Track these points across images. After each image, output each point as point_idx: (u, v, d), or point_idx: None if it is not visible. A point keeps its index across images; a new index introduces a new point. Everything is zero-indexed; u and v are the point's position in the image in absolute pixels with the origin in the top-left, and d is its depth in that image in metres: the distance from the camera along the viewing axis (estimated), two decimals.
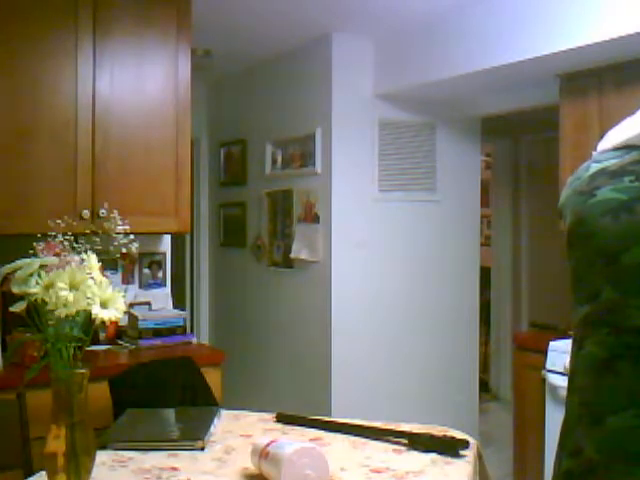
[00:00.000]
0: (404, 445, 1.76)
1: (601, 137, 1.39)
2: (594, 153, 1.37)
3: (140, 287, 3.30)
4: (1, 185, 2.60)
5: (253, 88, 4.62)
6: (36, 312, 1.40)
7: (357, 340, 3.92)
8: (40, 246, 1.46)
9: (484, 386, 5.62)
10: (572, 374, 1.27)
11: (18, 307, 1.43)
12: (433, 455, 1.68)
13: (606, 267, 1.25)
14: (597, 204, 1.27)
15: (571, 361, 1.28)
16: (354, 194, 3.89)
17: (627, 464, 1.09)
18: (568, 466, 1.18)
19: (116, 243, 1.55)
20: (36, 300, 1.39)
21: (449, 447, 1.70)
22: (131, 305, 3.10)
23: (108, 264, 1.55)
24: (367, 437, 1.84)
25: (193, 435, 1.80)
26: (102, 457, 1.63)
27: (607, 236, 1.25)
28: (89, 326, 1.42)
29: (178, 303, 3.81)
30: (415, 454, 1.71)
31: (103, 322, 1.40)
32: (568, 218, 1.37)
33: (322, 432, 1.90)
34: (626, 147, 1.29)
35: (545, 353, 3.18)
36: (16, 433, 1.99)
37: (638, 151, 1.25)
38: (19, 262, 1.42)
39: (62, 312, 1.36)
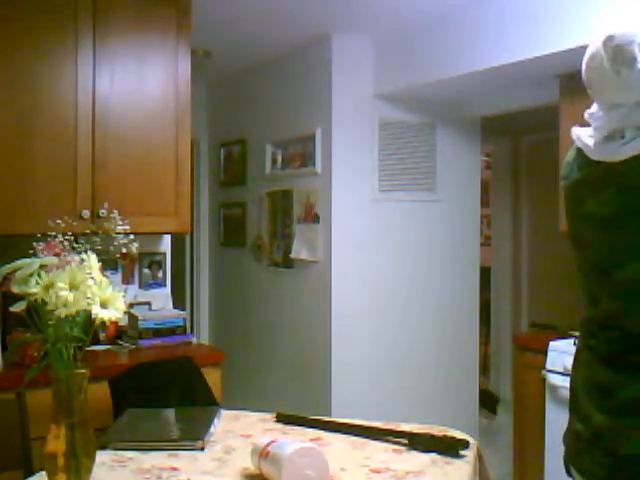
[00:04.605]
0: (404, 445, 1.76)
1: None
2: (576, 138, 1.43)
3: (140, 287, 3.30)
4: (1, 185, 2.60)
5: (253, 88, 4.62)
6: (36, 312, 1.40)
7: (357, 340, 3.92)
8: (40, 246, 1.46)
9: (489, 399, 5.33)
10: (578, 352, 1.43)
11: (18, 307, 1.43)
12: (433, 455, 1.68)
13: (601, 279, 1.34)
14: (586, 217, 1.35)
15: (578, 343, 1.44)
16: (354, 194, 3.89)
17: (630, 430, 1.25)
18: (578, 428, 1.37)
19: (116, 243, 1.55)
20: (36, 300, 1.38)
21: (449, 447, 1.70)
22: (131, 305, 3.10)
23: (108, 264, 1.55)
24: (367, 437, 1.84)
25: (193, 435, 1.80)
26: (102, 457, 1.63)
27: (599, 251, 1.33)
28: (89, 326, 1.42)
29: (178, 303, 3.80)
30: (415, 454, 1.71)
31: (103, 322, 1.40)
32: (566, 219, 1.44)
33: (322, 432, 1.90)
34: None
35: (545, 353, 3.18)
36: (16, 433, 1.99)
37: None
38: (19, 262, 1.42)
39: (62, 312, 1.36)
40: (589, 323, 1.40)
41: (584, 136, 1.37)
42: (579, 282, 1.43)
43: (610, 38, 1.29)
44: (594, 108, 1.39)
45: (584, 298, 1.41)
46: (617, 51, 1.27)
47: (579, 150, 1.39)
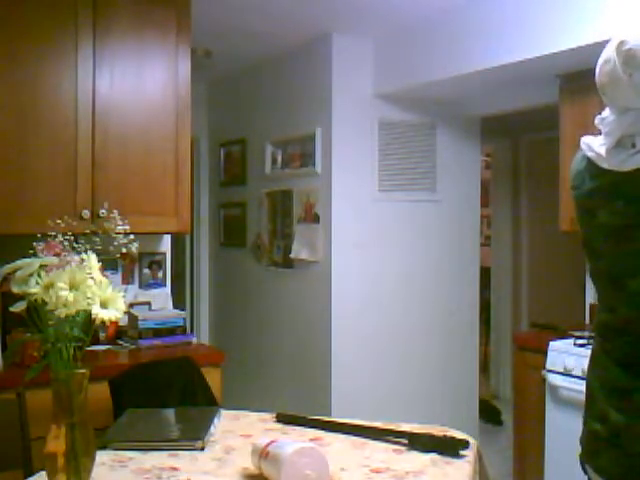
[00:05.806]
0: (404, 445, 1.76)
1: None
2: (585, 148, 1.43)
3: (140, 287, 3.30)
4: (1, 185, 2.59)
5: (253, 88, 4.62)
6: (36, 312, 1.40)
7: (357, 340, 3.92)
8: (40, 246, 1.46)
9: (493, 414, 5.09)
10: (593, 354, 1.45)
11: (18, 307, 1.43)
12: (433, 455, 1.68)
13: (615, 289, 1.37)
14: (599, 228, 1.38)
15: (593, 345, 1.46)
16: (354, 194, 3.89)
17: None
18: (595, 428, 1.38)
19: (116, 243, 1.55)
20: (36, 300, 1.38)
21: (449, 447, 1.70)
22: (131, 305, 3.10)
23: (108, 264, 1.54)
24: (367, 437, 1.84)
25: (193, 435, 1.80)
26: (102, 457, 1.63)
27: (612, 261, 1.35)
28: (89, 326, 1.42)
29: (178, 303, 3.80)
30: (415, 454, 1.71)
31: (103, 322, 1.40)
32: (579, 227, 1.45)
33: (322, 432, 1.90)
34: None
35: (545, 353, 3.18)
36: (16, 433, 1.99)
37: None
38: (19, 262, 1.42)
39: (62, 312, 1.36)
40: (604, 327, 1.42)
41: (595, 145, 1.37)
42: (594, 288, 1.46)
43: (623, 43, 1.30)
44: (605, 113, 1.39)
45: (599, 303, 1.44)
46: (629, 55, 1.28)
47: (589, 159, 1.39)
